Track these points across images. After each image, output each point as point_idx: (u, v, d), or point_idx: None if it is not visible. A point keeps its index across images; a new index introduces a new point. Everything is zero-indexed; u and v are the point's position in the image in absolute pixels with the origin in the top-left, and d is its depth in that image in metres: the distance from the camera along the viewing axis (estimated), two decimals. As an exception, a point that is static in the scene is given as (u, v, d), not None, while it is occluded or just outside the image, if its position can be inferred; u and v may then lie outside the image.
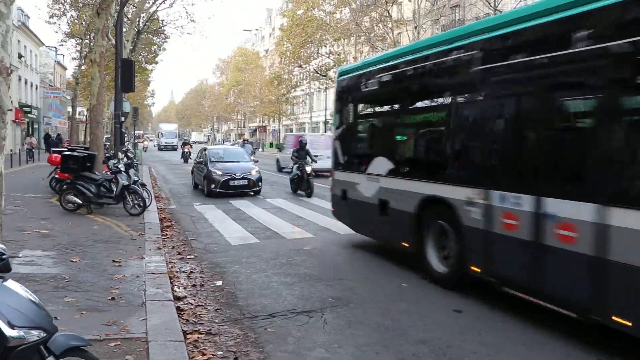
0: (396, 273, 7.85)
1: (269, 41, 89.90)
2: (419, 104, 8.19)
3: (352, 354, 4.86)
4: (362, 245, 9.76)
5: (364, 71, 9.39)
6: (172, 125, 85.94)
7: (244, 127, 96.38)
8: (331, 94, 60.33)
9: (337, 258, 8.79)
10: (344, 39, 43.11)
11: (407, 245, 7.88)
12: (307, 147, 18.82)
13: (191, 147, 40.16)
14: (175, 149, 65.03)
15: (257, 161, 21.46)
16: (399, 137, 8.57)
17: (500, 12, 28.32)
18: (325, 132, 54.33)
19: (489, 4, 30.29)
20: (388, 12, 37.13)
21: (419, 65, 7.77)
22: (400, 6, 40.50)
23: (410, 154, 8.33)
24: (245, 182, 17.17)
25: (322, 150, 22.85)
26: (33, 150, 33.17)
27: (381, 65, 8.83)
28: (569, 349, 5.00)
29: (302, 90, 63.50)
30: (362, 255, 9.05)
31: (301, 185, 17.60)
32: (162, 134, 75.16)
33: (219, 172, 17.04)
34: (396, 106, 8.73)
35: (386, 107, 9.24)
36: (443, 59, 7.21)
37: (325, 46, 46.35)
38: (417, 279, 7.54)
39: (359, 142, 9.99)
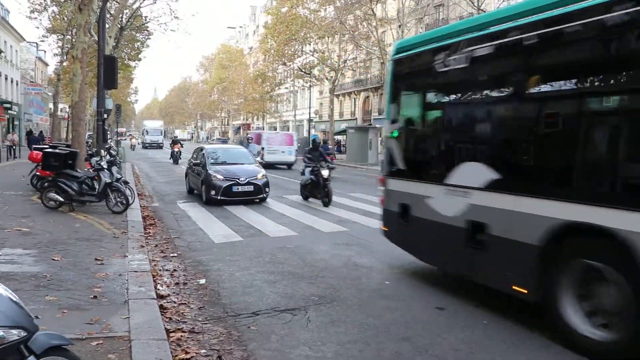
0: (379, 270, 7.89)
1: (253, 39, 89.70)
2: (560, 85, 5.45)
3: (335, 351, 4.88)
4: (346, 244, 9.80)
5: (444, 44, 6.87)
6: (157, 123, 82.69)
7: (227, 124, 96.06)
8: (315, 92, 60.49)
9: (320, 256, 8.80)
10: (328, 37, 43.14)
11: (524, 291, 5.52)
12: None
13: (182, 147, 36.24)
14: (160, 147, 64.00)
15: (262, 163, 19.34)
16: (511, 134, 5.94)
17: (484, 11, 28.55)
18: (310, 130, 54.41)
19: (472, 3, 30.48)
20: (372, 11, 37.24)
21: (564, 25, 5.17)
22: (384, 5, 40.59)
23: (534, 158, 5.61)
24: (250, 187, 14.87)
25: (277, 145, 31.59)
26: (14, 147, 32.75)
27: (481, 33, 6.25)
28: (555, 348, 5.06)
29: (286, 88, 63.53)
30: (345, 253, 9.07)
31: (316, 192, 15.32)
32: (146, 131, 72.28)
33: (220, 177, 14.74)
34: (510, 89, 5.98)
35: (492, 92, 6.34)
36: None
37: (310, 44, 46.37)
38: (399, 276, 7.59)
39: (431, 140, 7.41)
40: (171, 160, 34.20)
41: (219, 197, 14.47)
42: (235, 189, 14.66)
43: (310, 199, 15.71)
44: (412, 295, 6.68)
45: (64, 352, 3.19)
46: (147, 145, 66.74)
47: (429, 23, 43.98)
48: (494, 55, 6.14)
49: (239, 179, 14.79)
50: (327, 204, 14.74)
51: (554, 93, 5.52)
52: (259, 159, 19.41)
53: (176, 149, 34.08)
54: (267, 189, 15.30)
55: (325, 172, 14.98)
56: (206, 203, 14.61)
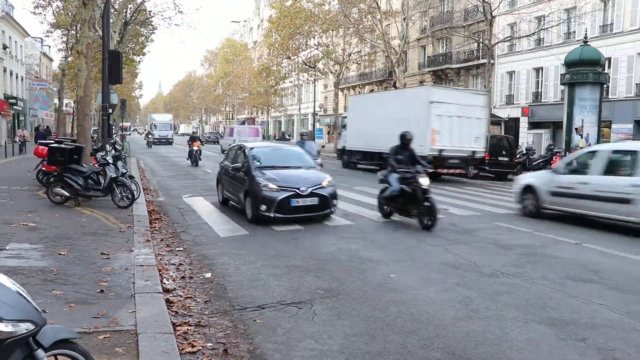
0: (385, 264, 7.89)
1: (257, 33, 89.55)
2: None
3: (341, 344, 4.89)
4: (351, 237, 9.80)
5: None
6: (166, 116, 75.29)
7: (232, 119, 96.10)
8: (320, 85, 60.36)
9: (326, 249, 8.81)
10: (332, 31, 43.09)
11: None
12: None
13: (202, 144, 30.32)
14: (170, 143, 60.33)
15: (322, 165, 14.61)
16: None
17: (488, 3, 28.39)
18: (315, 124, 54.34)
19: (477, -5, 30.33)
20: (376, 4, 37.12)
21: None
22: (388, -3, 40.39)
23: None
24: (314, 200, 10.99)
25: (245, 136, 35.85)
26: (20, 142, 32.94)
27: None
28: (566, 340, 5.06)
29: (291, 82, 63.43)
30: (350, 246, 9.08)
31: (411, 208, 11.08)
32: (155, 125, 64.62)
33: (273, 186, 10.84)
34: None
35: None
36: None
37: (314, 38, 46.31)
38: (405, 269, 7.59)
39: None
40: (189, 161, 28.59)
41: (272, 214, 10.73)
42: (294, 202, 10.86)
43: (396, 216, 11.90)
44: (417, 288, 6.68)
45: (72, 346, 3.21)
46: (156, 140, 60.01)
47: (434, 16, 43.83)
48: None
49: (298, 189, 10.93)
50: (430, 226, 10.67)
51: None
52: (319, 160, 15.01)
53: (195, 148, 27.88)
54: (334, 201, 11.52)
55: (424, 181, 10.94)
56: (252, 221, 11.06)
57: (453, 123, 21.40)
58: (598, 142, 24.09)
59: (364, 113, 26.34)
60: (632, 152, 11.00)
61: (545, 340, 5.03)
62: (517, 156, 25.90)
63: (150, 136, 54.61)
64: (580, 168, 12.15)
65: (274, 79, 55.56)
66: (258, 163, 11.83)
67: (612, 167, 11.39)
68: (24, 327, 2.87)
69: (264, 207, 10.76)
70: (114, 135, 29.71)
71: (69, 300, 5.49)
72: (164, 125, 64.93)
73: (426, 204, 10.71)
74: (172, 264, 7.69)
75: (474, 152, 22.28)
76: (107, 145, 15.49)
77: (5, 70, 45.48)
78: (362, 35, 39.75)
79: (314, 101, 54.80)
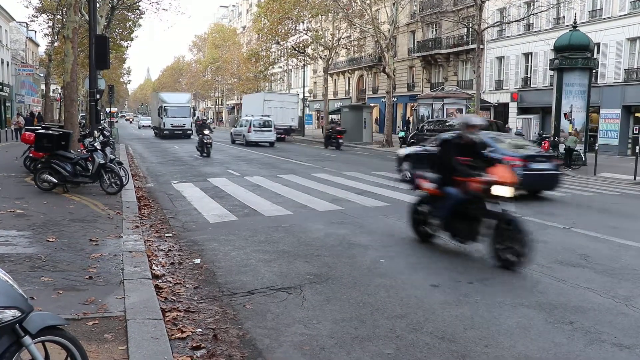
0: (374, 249, 7.91)
1: (246, 17, 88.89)
2: None
3: (331, 329, 4.90)
4: (340, 222, 9.81)
5: None
6: (183, 96, 48.24)
7: (221, 104, 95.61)
8: (309, 71, 60.06)
9: (315, 235, 8.81)
10: (321, 15, 42.83)
11: None
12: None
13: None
14: (188, 136, 42.00)
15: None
16: None
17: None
18: (304, 109, 54.16)
19: (467, -20, 30.17)
20: (366, -12, 36.84)
21: None
22: (378, -18, 40.15)
23: None
24: None
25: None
26: (16, 129, 32.80)
27: None
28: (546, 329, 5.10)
29: (280, 67, 63.08)
30: (340, 232, 9.08)
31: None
32: (165, 109, 42.09)
33: None
34: None
35: None
36: None
37: (303, 22, 46.02)
38: (394, 254, 7.61)
39: None
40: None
41: None
42: None
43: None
44: (406, 273, 6.71)
45: (59, 332, 3.19)
46: (167, 132, 41.86)
47: (424, 0, 43.68)
48: None
49: None
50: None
51: None
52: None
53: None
54: None
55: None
56: None
57: (277, 112, 41.38)
58: (586, 127, 24.23)
59: (247, 106, 47.28)
60: None
61: (533, 324, 5.07)
62: (506, 141, 25.96)
63: (208, 132, 25.13)
64: None
65: (263, 64, 55.23)
66: None
67: None
68: (10, 314, 2.85)
69: None
70: (102, 122, 29.50)
71: (57, 287, 5.46)
72: (180, 110, 43.17)
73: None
74: (161, 250, 7.67)
75: (290, 126, 43.75)
76: (95, 131, 15.35)
77: (-10, 56, 44.88)
78: (352, 20, 39.52)
79: (303, 87, 54.63)
